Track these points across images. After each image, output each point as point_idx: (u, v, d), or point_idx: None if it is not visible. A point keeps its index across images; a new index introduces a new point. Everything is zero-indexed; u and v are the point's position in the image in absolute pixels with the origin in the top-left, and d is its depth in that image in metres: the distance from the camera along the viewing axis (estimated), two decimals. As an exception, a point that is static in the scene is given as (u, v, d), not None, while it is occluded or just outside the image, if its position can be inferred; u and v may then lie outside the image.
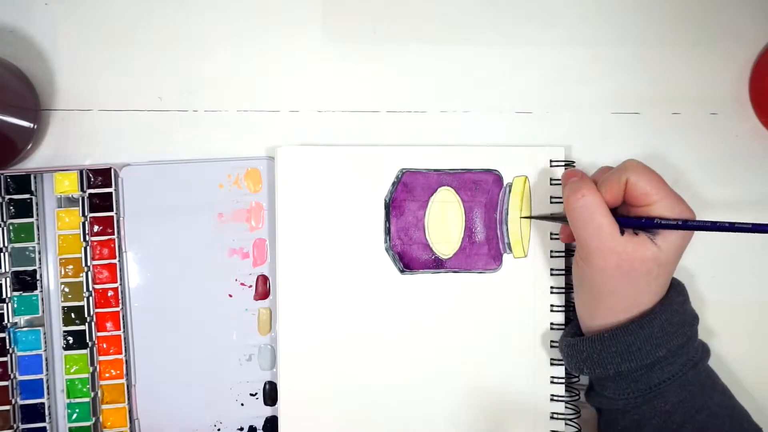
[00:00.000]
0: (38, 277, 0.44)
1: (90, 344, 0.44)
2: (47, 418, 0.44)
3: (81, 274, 0.44)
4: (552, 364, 0.46)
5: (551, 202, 0.46)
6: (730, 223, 0.38)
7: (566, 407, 0.46)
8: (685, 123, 0.48)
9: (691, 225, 0.38)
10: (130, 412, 0.45)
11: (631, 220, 0.39)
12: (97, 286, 0.44)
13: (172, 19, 0.46)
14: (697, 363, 0.40)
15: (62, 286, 0.44)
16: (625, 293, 0.39)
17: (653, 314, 0.39)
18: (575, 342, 0.41)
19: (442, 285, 0.45)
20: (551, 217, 0.45)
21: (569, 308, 0.46)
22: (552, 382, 0.46)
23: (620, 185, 0.39)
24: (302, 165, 0.44)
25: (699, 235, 0.46)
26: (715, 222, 0.38)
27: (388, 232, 0.45)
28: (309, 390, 0.45)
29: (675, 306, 0.40)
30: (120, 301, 0.44)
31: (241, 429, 0.46)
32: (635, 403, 0.40)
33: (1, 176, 0.43)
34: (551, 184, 0.45)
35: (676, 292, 0.41)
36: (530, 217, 0.45)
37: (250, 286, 0.46)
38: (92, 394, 0.44)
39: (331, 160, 0.45)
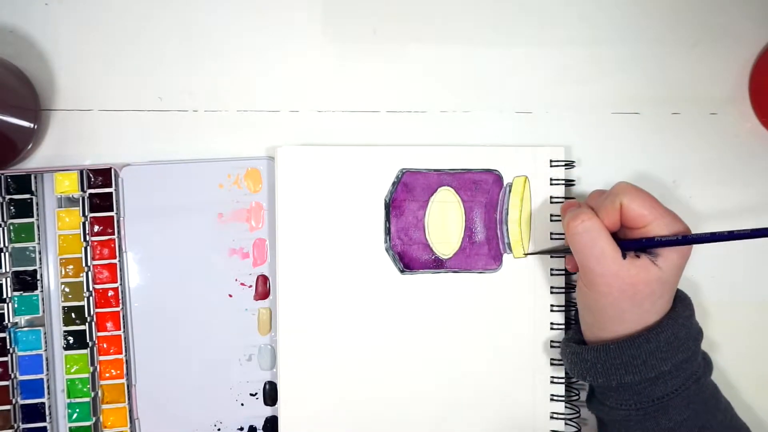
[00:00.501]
0: (38, 277, 0.44)
1: (90, 344, 0.44)
2: (47, 418, 0.44)
3: (81, 274, 0.44)
4: (552, 363, 0.46)
5: (551, 202, 0.46)
6: (728, 232, 0.38)
7: (566, 407, 0.46)
8: (685, 123, 0.48)
9: (690, 239, 0.38)
10: (130, 412, 0.45)
11: (631, 242, 0.39)
12: (97, 286, 0.44)
13: (172, 20, 0.46)
14: (699, 378, 0.40)
15: (62, 286, 0.44)
16: (630, 316, 0.39)
17: (660, 328, 0.39)
18: (580, 350, 0.41)
19: (442, 285, 0.45)
20: (554, 251, 0.45)
21: (569, 308, 0.46)
22: (552, 382, 0.46)
23: (615, 209, 0.39)
24: (302, 165, 0.44)
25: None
26: (714, 233, 0.38)
27: (388, 232, 0.45)
28: (309, 390, 0.45)
29: (681, 320, 0.40)
30: (120, 301, 0.44)
31: (241, 429, 0.46)
32: (637, 417, 0.40)
33: (2, 176, 0.43)
34: (551, 184, 0.45)
35: (683, 306, 0.41)
36: (533, 253, 0.45)
37: (250, 286, 0.46)
38: (92, 394, 0.44)
39: (331, 160, 0.45)
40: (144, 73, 0.46)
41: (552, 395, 0.46)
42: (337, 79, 0.47)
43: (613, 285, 0.38)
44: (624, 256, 0.39)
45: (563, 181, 0.45)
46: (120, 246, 0.45)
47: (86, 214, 0.44)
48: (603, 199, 0.40)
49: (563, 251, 0.44)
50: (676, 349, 0.39)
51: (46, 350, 0.44)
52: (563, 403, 0.46)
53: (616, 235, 0.40)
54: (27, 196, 0.44)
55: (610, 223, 0.39)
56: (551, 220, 0.46)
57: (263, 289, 0.46)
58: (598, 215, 0.39)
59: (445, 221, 0.46)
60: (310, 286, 0.45)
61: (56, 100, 0.46)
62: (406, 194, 0.45)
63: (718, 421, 0.40)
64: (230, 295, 0.45)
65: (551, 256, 0.45)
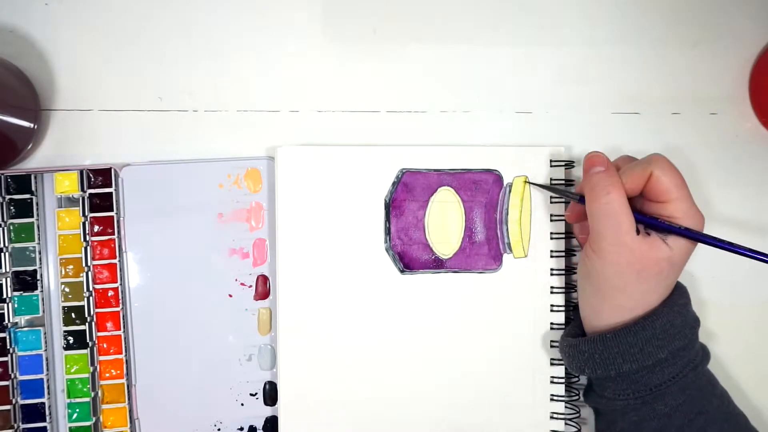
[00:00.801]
0: (38, 277, 0.44)
1: (90, 344, 0.44)
2: (47, 418, 0.44)
3: (81, 274, 0.44)
4: (552, 363, 0.46)
5: (551, 202, 0.46)
6: (729, 243, 0.38)
7: (566, 407, 0.46)
8: (685, 123, 0.48)
9: (693, 235, 0.39)
10: (130, 412, 0.45)
11: (645, 218, 0.39)
12: (97, 286, 0.44)
13: (172, 19, 0.46)
14: (697, 366, 0.40)
15: (62, 286, 0.44)
16: (632, 291, 0.39)
17: (655, 315, 0.39)
18: (576, 342, 0.41)
19: (442, 285, 0.45)
20: (556, 190, 0.45)
21: (569, 308, 0.46)
22: (552, 382, 0.46)
23: (643, 177, 0.39)
24: (302, 165, 0.44)
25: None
26: (716, 238, 0.39)
27: (388, 232, 0.45)
28: (309, 390, 0.45)
29: (677, 308, 0.40)
30: (120, 301, 0.44)
31: (241, 429, 0.46)
32: (634, 405, 0.40)
33: (2, 176, 0.43)
34: (551, 184, 0.45)
35: (679, 294, 0.41)
36: (535, 184, 0.45)
37: (250, 286, 0.46)
38: (92, 394, 0.44)
39: (331, 160, 0.45)
40: (144, 73, 0.46)
41: (552, 395, 0.46)
42: (337, 79, 0.47)
43: (622, 256, 0.38)
44: (638, 231, 0.39)
45: (563, 181, 0.45)
46: (120, 246, 0.45)
47: (86, 214, 0.44)
48: (634, 165, 0.40)
49: (568, 195, 0.44)
50: (672, 337, 0.39)
51: (46, 350, 0.44)
52: (563, 403, 0.46)
53: (632, 204, 0.40)
54: (27, 196, 0.44)
55: (633, 188, 0.39)
56: (551, 220, 0.46)
57: (263, 289, 0.46)
58: (621, 177, 0.39)
59: (444, 221, 0.45)
60: (310, 286, 0.45)
61: (56, 100, 0.46)
62: (407, 194, 0.45)
63: (714, 407, 0.40)
64: (230, 295, 0.45)
65: (551, 238, 0.45)
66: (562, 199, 0.45)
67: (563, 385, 0.46)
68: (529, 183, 0.45)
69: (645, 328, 0.39)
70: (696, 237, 0.39)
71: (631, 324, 0.39)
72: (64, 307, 0.44)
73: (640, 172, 0.39)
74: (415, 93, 0.47)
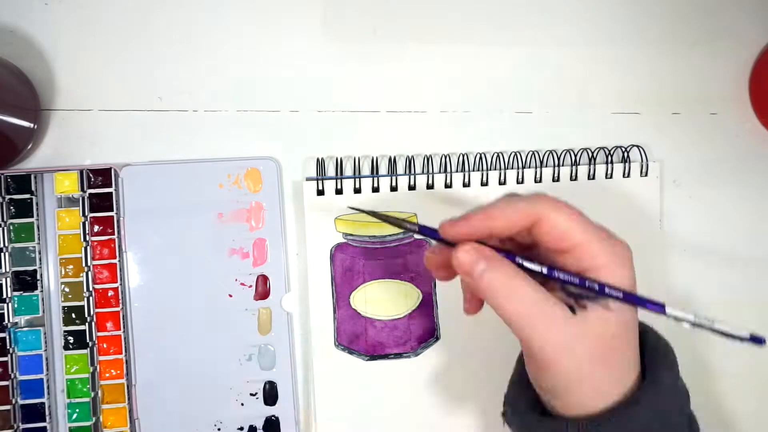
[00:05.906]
0: (38, 277, 0.44)
1: (90, 344, 0.44)
2: (47, 418, 0.44)
3: (81, 274, 0.44)
4: None
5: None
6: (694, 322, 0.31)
7: None
8: (685, 123, 0.48)
9: (636, 299, 0.30)
10: (130, 412, 0.45)
11: (566, 276, 0.30)
12: (97, 286, 0.44)
13: (171, 19, 0.46)
14: None
15: (62, 286, 0.44)
16: (601, 378, 0.30)
17: (638, 405, 0.30)
18: (558, 427, 0.31)
19: None
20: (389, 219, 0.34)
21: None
22: None
23: (525, 217, 0.30)
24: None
25: (699, 236, 0.46)
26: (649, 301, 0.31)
27: None
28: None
29: (665, 392, 0.31)
30: (120, 301, 0.44)
31: (241, 429, 0.46)
32: None
33: (2, 176, 0.43)
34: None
35: (664, 365, 0.32)
36: (362, 211, 0.36)
37: (250, 286, 0.46)
38: (92, 394, 0.44)
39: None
40: (144, 73, 0.46)
41: None
42: (337, 79, 0.47)
43: (575, 352, 0.30)
44: (572, 309, 0.30)
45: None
46: (120, 246, 0.45)
47: (86, 214, 0.44)
48: (513, 202, 0.31)
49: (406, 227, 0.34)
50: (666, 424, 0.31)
51: (46, 350, 0.44)
52: None
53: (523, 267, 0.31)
54: (27, 196, 0.44)
55: (505, 226, 0.30)
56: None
57: (263, 289, 0.46)
58: (489, 220, 0.30)
59: None
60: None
61: (56, 100, 0.46)
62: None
63: None
64: (230, 295, 0.45)
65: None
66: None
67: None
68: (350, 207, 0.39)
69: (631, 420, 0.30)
70: (633, 300, 0.30)
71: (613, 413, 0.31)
72: (64, 307, 0.44)
73: (521, 209, 0.30)
74: (415, 93, 0.47)
